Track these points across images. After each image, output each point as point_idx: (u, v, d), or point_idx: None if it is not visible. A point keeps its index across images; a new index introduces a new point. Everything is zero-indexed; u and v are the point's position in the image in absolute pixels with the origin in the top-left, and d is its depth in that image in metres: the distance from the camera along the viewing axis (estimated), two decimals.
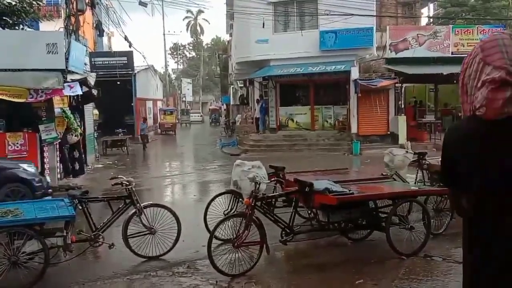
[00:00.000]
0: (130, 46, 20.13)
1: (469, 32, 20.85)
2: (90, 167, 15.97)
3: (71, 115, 13.13)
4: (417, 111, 21.59)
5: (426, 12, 36.32)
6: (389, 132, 20.22)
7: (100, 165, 17.13)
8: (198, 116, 58.83)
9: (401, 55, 20.51)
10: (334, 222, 6.35)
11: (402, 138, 19.02)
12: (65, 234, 5.56)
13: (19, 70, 11.41)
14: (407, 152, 8.44)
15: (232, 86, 41.94)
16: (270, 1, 20.87)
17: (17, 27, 14.74)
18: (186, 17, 76.78)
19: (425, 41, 20.60)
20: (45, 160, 11.99)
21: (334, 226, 6.41)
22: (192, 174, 15.72)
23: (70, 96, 13.36)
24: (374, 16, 21.48)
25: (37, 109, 12.14)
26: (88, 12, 16.51)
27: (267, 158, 14.45)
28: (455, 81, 19.30)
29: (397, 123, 19.67)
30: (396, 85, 20.13)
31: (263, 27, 19.81)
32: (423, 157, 8.24)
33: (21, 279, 5.24)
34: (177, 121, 42.21)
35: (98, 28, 17.62)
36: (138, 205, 6.28)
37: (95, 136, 18.26)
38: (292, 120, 22.11)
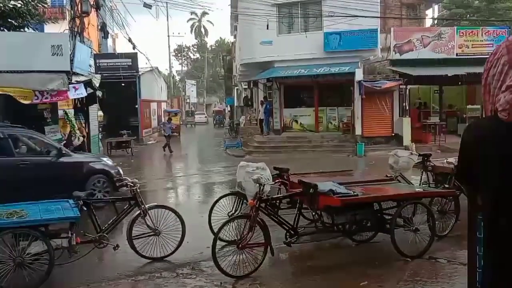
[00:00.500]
0: (134, 48, 20.23)
1: (474, 34, 20.74)
2: None
3: (72, 118, 13.15)
4: (422, 113, 21.51)
5: (431, 14, 36.23)
6: (393, 134, 20.15)
7: None
8: (203, 117, 59.47)
9: (405, 56, 20.49)
10: (339, 223, 6.34)
11: (407, 139, 18.99)
12: (70, 235, 5.58)
13: (24, 71, 11.47)
14: (411, 153, 8.42)
15: (236, 88, 41.91)
16: (274, 2, 20.87)
17: (22, 30, 14.80)
18: (191, 19, 76.96)
19: (430, 42, 20.55)
20: None
21: (339, 228, 6.39)
22: (196, 176, 15.74)
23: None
24: (379, 17, 21.48)
25: (42, 111, 12.20)
26: (93, 14, 16.57)
27: (271, 159, 14.45)
28: (460, 83, 19.30)
29: (401, 125, 19.61)
30: (401, 86, 20.06)
31: (267, 28, 19.80)
32: (427, 159, 8.20)
33: (26, 280, 5.26)
34: (181, 123, 42.32)
35: (103, 30, 17.69)
36: (142, 206, 6.30)
37: (100, 138, 18.31)
38: (296, 121, 22.13)
